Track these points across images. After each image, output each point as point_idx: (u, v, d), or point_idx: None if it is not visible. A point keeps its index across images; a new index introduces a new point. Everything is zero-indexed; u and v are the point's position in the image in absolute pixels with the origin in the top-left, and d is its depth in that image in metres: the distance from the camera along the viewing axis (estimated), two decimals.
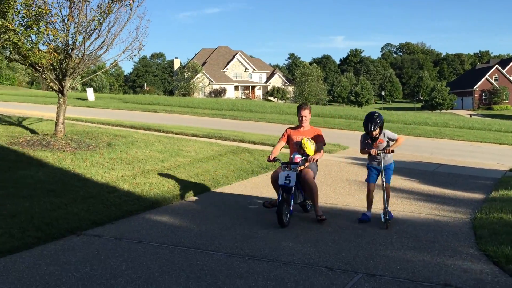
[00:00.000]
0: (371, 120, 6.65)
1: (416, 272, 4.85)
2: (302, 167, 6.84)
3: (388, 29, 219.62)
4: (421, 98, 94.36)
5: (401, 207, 7.82)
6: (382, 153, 6.73)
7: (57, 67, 11.80)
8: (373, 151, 6.74)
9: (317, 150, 6.93)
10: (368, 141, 6.89)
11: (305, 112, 7.15)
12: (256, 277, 4.67)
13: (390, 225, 6.52)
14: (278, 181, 6.51)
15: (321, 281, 4.60)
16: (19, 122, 15.87)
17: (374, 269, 4.90)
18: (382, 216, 6.53)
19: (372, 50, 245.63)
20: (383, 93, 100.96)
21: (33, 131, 13.54)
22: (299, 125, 7.25)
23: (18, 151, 10.48)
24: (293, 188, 6.52)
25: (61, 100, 12.02)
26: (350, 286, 4.47)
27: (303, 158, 6.81)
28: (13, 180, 8.14)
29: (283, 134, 7.35)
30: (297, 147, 6.99)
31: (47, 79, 12.08)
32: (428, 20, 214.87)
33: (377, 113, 6.80)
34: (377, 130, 6.66)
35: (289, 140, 7.25)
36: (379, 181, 6.88)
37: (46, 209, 6.72)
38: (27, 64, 11.61)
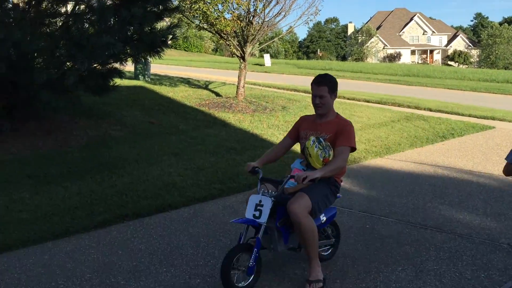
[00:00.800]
0: None
1: None
2: (295, 188, 3.74)
3: None
4: None
5: None
6: None
7: (240, 34, 12.66)
8: None
9: (330, 161, 3.73)
10: None
11: (322, 90, 3.98)
12: (428, 246, 4.55)
13: None
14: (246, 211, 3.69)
15: (501, 257, 4.29)
16: (205, 85, 17.50)
17: None
18: None
19: None
20: None
21: (217, 94, 14.83)
22: (316, 114, 4.12)
23: (205, 112, 11.65)
24: (263, 226, 3.58)
25: (242, 65, 12.91)
26: None
27: (305, 170, 3.81)
28: (201, 138, 9.13)
29: (294, 125, 4.26)
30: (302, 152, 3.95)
31: (230, 45, 13.05)
32: None
33: None
34: None
35: (299, 137, 4.13)
36: None
37: (228, 165, 7.42)
38: (214, 32, 12.69)
